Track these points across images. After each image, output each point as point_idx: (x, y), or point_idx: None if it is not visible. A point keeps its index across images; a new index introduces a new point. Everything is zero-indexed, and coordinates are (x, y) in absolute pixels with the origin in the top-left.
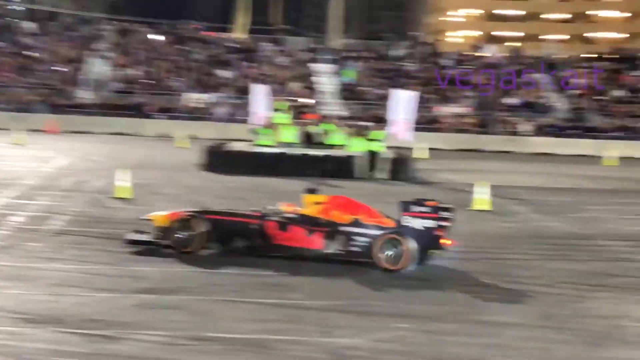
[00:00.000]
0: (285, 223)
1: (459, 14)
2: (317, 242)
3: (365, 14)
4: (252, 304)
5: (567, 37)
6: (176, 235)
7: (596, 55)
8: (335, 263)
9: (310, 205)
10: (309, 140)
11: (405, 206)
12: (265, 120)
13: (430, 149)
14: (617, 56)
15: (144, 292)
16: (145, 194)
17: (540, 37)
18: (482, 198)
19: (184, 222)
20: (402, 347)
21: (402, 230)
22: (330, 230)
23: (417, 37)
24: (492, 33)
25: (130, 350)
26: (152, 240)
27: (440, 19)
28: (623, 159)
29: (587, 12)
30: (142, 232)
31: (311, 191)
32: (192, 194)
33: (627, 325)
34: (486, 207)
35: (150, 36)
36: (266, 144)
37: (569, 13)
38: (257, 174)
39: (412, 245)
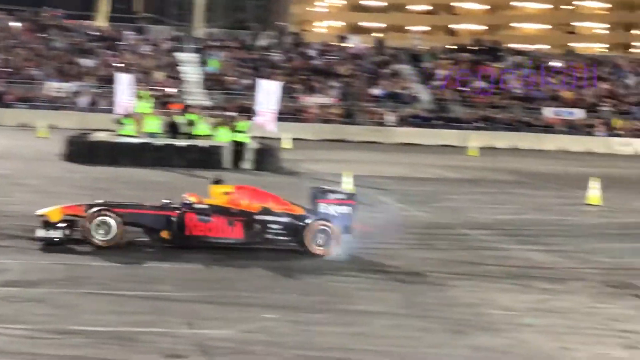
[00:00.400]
0: (208, 214)
1: (324, 4)
2: (238, 232)
3: (229, 3)
4: (117, 296)
5: (430, 28)
6: (97, 230)
7: (458, 47)
8: (211, 253)
9: (218, 195)
10: (173, 130)
11: (321, 194)
12: (129, 109)
13: (295, 139)
14: (479, 47)
15: (6, 285)
16: (5, 184)
17: (404, 28)
18: (347, 188)
19: (101, 217)
20: (270, 337)
21: (328, 217)
22: (249, 219)
23: (282, 27)
24: (357, 23)
25: None
26: (64, 236)
27: (305, 9)
28: (485, 149)
29: (449, 4)
30: (51, 228)
31: (217, 182)
32: (54, 185)
33: (488, 313)
34: None
35: (9, 23)
36: (129, 134)
37: (432, 5)
38: (119, 165)
39: (340, 231)
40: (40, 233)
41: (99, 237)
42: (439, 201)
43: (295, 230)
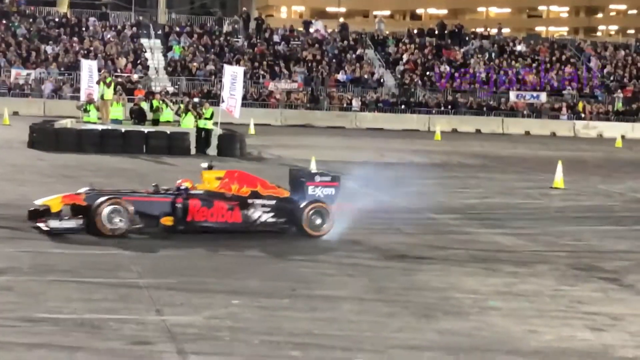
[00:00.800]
0: (210, 200)
1: None
2: (237, 217)
3: None
4: (83, 283)
5: (394, 12)
6: (112, 219)
7: (422, 31)
8: (177, 240)
9: (211, 180)
10: (137, 116)
11: (309, 176)
12: (92, 96)
13: (260, 124)
14: (443, 32)
15: None
16: None
17: (368, 12)
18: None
19: (113, 206)
20: (235, 323)
21: (321, 199)
22: (246, 204)
23: (246, 12)
24: (321, 8)
25: None
26: (77, 227)
27: None
28: (450, 133)
29: None
30: (61, 219)
31: (209, 167)
32: (20, 172)
33: (454, 297)
34: None
35: None
36: (93, 121)
37: None
38: (83, 152)
39: (333, 212)
40: (54, 224)
41: (112, 225)
42: (405, 186)
43: (291, 212)
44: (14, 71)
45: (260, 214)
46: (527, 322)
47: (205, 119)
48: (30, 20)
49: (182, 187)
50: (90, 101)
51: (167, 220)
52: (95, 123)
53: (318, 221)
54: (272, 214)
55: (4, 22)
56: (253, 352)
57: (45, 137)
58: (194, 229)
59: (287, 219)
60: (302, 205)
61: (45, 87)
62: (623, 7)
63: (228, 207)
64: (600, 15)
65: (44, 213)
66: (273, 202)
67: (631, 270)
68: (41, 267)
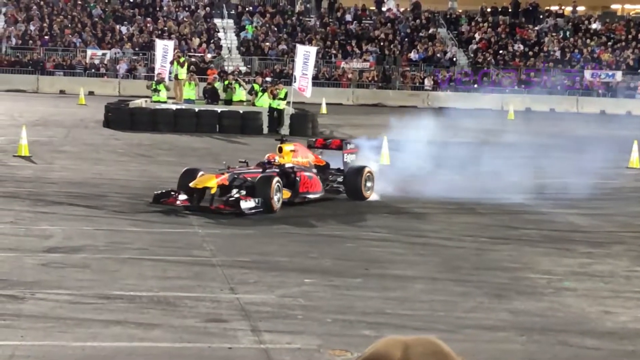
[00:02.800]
0: (310, 172)
1: None
2: (319, 186)
3: None
4: (157, 261)
5: None
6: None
7: (496, 9)
8: (246, 218)
9: (288, 154)
10: (210, 96)
11: (344, 144)
12: (163, 76)
13: (332, 104)
14: (517, 10)
15: (48, 251)
16: (46, 152)
17: None
18: (385, 153)
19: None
20: (308, 302)
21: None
22: (324, 172)
23: None
24: None
25: (35, 309)
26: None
27: None
28: (523, 112)
29: None
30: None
31: (283, 140)
32: (93, 151)
33: (527, 277)
34: (387, 161)
35: None
36: (163, 100)
37: None
38: (157, 131)
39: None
40: (247, 205)
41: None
42: (478, 165)
43: (347, 178)
44: (89, 51)
45: (328, 182)
46: (602, 303)
47: (279, 99)
48: (106, 0)
49: (276, 162)
50: (159, 81)
51: (287, 194)
52: (165, 102)
53: (369, 184)
54: (335, 180)
55: (80, 2)
56: (326, 331)
57: (120, 117)
58: (301, 200)
59: (347, 185)
60: (356, 171)
61: (120, 67)
62: None
63: (315, 177)
64: None
65: (168, 195)
66: (332, 170)
67: None
68: (116, 245)
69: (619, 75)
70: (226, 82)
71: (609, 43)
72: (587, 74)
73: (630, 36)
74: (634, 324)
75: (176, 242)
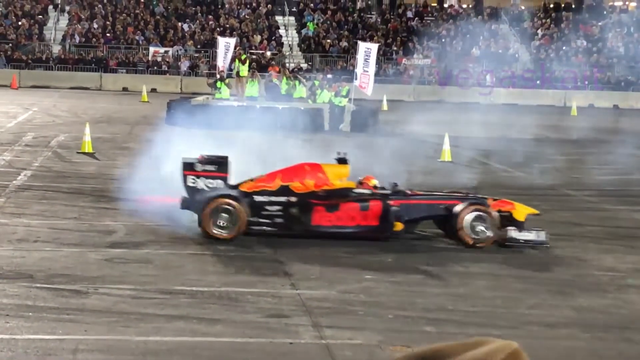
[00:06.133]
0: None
1: None
2: None
3: None
4: (219, 257)
5: None
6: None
7: (559, 5)
8: None
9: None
10: (271, 93)
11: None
12: (228, 73)
13: (393, 100)
14: (579, 5)
15: (111, 247)
16: (110, 148)
17: None
18: (446, 149)
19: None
20: (370, 298)
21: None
22: None
23: None
24: None
25: (98, 304)
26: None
27: None
28: (586, 108)
29: None
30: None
31: (343, 160)
32: (156, 148)
33: (591, 274)
34: (448, 158)
35: None
36: (225, 98)
37: None
38: (219, 128)
39: None
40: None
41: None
42: (541, 162)
43: None
44: (152, 49)
45: None
46: None
47: (342, 96)
48: None
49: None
50: (220, 79)
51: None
52: (227, 100)
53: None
54: None
55: (143, 0)
56: (387, 327)
57: (182, 114)
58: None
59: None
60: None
61: (182, 65)
62: None
63: None
64: None
65: None
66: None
67: None
68: (178, 240)
69: None
70: (288, 79)
71: None
72: None
73: None
74: None
75: (237, 238)
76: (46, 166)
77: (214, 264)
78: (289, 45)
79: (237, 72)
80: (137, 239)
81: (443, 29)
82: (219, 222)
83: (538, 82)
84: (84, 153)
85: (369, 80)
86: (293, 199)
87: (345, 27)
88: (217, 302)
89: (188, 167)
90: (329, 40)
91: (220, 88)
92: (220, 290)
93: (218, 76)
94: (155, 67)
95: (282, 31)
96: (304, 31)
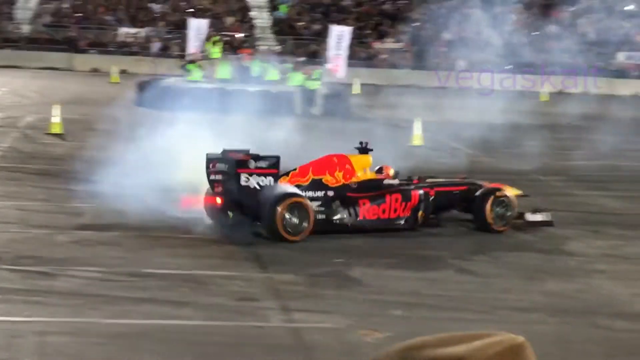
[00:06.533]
0: None
1: None
2: None
3: None
4: (189, 240)
5: None
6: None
7: None
8: None
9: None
10: (243, 75)
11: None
12: (199, 55)
13: (365, 84)
14: None
15: (79, 229)
16: (79, 130)
17: None
18: (417, 134)
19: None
20: (341, 281)
21: None
22: None
23: None
24: None
25: (66, 286)
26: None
27: None
28: (556, 94)
29: None
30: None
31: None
32: (126, 130)
33: (560, 259)
34: (420, 142)
35: None
36: (199, 80)
37: None
38: (190, 110)
39: None
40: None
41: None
42: (511, 147)
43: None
44: (122, 30)
45: None
46: (633, 285)
47: (314, 79)
48: None
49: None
50: (192, 61)
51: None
52: (199, 82)
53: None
54: None
55: None
56: (357, 311)
57: (153, 96)
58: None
59: None
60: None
61: (153, 46)
62: None
63: None
64: None
65: None
66: None
67: None
68: (146, 223)
69: None
70: (259, 62)
71: None
72: (622, 55)
73: None
74: None
75: (208, 221)
76: (15, 147)
77: (184, 247)
78: (261, 27)
79: (209, 54)
80: (105, 221)
81: (416, 12)
82: (292, 222)
83: (509, 67)
84: (53, 134)
85: (341, 63)
86: (330, 192)
87: (318, 9)
88: (186, 285)
89: (240, 164)
90: (301, 23)
91: (191, 70)
92: (189, 273)
93: (190, 58)
94: (126, 49)
95: (254, 13)
96: (276, 13)
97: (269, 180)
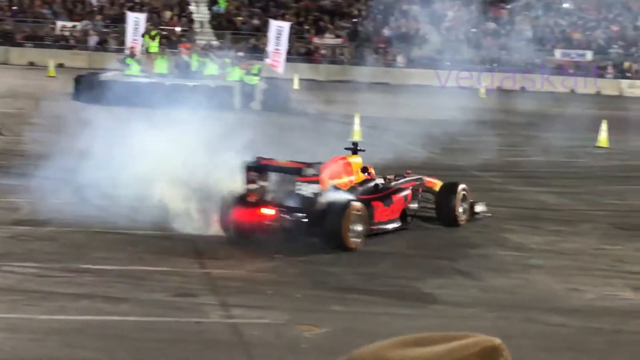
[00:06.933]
0: None
1: None
2: None
3: None
4: (127, 235)
5: None
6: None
7: None
8: None
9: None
10: (181, 70)
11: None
12: (135, 50)
13: (304, 79)
14: None
15: (16, 224)
16: (15, 124)
17: None
18: (357, 129)
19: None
20: (278, 277)
21: None
22: None
23: None
24: None
25: (1, 282)
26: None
27: None
28: (495, 90)
29: None
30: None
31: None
32: (63, 124)
33: (497, 254)
34: (359, 137)
35: None
36: (137, 74)
37: None
38: (128, 104)
39: None
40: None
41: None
42: (449, 143)
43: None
44: (59, 23)
45: None
46: (569, 281)
47: (253, 74)
48: None
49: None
50: (131, 55)
51: None
52: (138, 76)
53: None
54: None
55: None
56: (295, 306)
57: (90, 90)
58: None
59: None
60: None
61: (90, 40)
62: None
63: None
64: None
65: None
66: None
67: None
68: (83, 218)
69: (589, 54)
70: (198, 56)
71: (580, 22)
72: (558, 52)
73: (601, 16)
74: (600, 301)
75: (146, 216)
76: None
77: (121, 243)
78: (200, 22)
79: (147, 48)
80: (42, 216)
81: (355, 8)
82: (356, 230)
83: (448, 63)
84: None
85: (280, 58)
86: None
87: (257, 4)
88: (123, 281)
89: (299, 172)
90: (240, 18)
91: (130, 64)
92: (127, 269)
93: (129, 52)
94: (63, 42)
95: (192, 7)
96: (215, 8)
97: (315, 187)
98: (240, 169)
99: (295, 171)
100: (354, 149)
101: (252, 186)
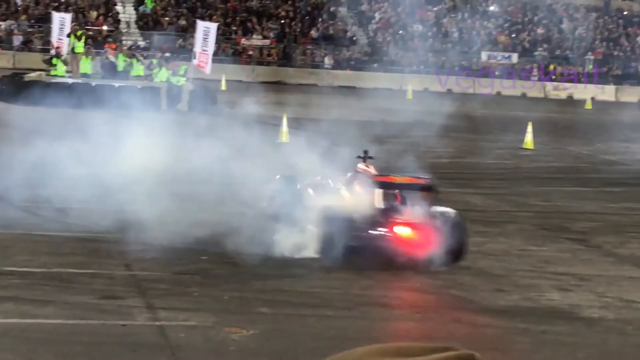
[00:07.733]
0: None
1: None
2: None
3: None
4: (52, 237)
5: None
6: None
7: None
8: None
9: None
10: (107, 70)
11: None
12: (60, 50)
13: (231, 80)
14: None
15: None
16: None
17: None
18: (284, 130)
19: None
20: (205, 279)
21: None
22: None
23: None
24: None
25: None
26: None
27: None
28: (421, 92)
29: None
30: None
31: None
32: None
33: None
34: (286, 139)
35: None
36: (61, 74)
37: None
38: (53, 105)
39: None
40: None
41: None
42: (376, 144)
43: None
44: None
45: None
46: (495, 282)
47: (180, 75)
48: None
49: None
50: (57, 55)
51: None
52: (63, 77)
53: None
54: None
55: None
56: (222, 308)
57: (14, 90)
58: None
59: None
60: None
61: (15, 39)
62: None
63: None
64: None
65: None
66: None
67: (599, 232)
68: (7, 220)
69: (515, 57)
70: (124, 57)
71: (506, 25)
72: (484, 55)
73: (526, 19)
74: (526, 302)
75: (72, 218)
76: None
77: (47, 245)
78: (126, 22)
79: (73, 49)
80: None
81: (282, 9)
82: None
83: (375, 65)
84: None
85: (207, 59)
86: None
87: (184, 5)
88: (48, 284)
89: (426, 189)
90: (167, 18)
91: (56, 65)
92: (52, 271)
93: (54, 52)
94: None
95: (119, 7)
96: (141, 8)
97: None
98: (370, 186)
99: (420, 187)
100: (365, 157)
101: (386, 205)
